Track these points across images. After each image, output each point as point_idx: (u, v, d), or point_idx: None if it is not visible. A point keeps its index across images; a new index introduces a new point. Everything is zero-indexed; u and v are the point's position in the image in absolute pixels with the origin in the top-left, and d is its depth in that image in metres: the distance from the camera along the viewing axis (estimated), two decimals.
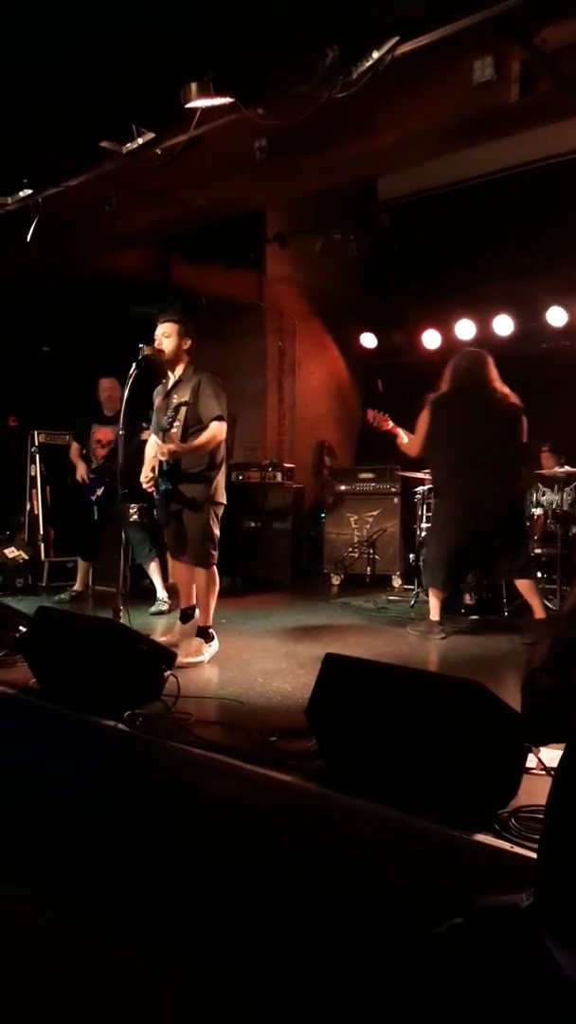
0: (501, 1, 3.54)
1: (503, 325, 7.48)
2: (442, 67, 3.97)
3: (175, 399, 4.43)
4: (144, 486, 4.51)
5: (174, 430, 4.35)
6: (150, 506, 5.35)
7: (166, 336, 4.40)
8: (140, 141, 4.38)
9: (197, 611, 4.66)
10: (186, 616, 4.76)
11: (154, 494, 4.54)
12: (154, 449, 4.48)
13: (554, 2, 3.65)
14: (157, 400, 4.58)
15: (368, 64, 3.67)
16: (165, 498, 4.48)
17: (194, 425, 4.34)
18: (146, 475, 4.48)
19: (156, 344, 4.39)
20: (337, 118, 4.07)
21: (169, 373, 4.53)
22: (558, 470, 5.83)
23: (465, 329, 7.75)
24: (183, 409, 4.36)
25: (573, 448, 6.09)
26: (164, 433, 4.38)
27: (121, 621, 4.18)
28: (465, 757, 2.33)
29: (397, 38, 3.62)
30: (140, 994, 1.93)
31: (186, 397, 4.36)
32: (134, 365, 4.32)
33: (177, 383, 4.46)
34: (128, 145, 4.43)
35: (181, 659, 3.96)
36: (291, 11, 3.57)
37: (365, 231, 7.50)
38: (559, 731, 1.63)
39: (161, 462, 4.39)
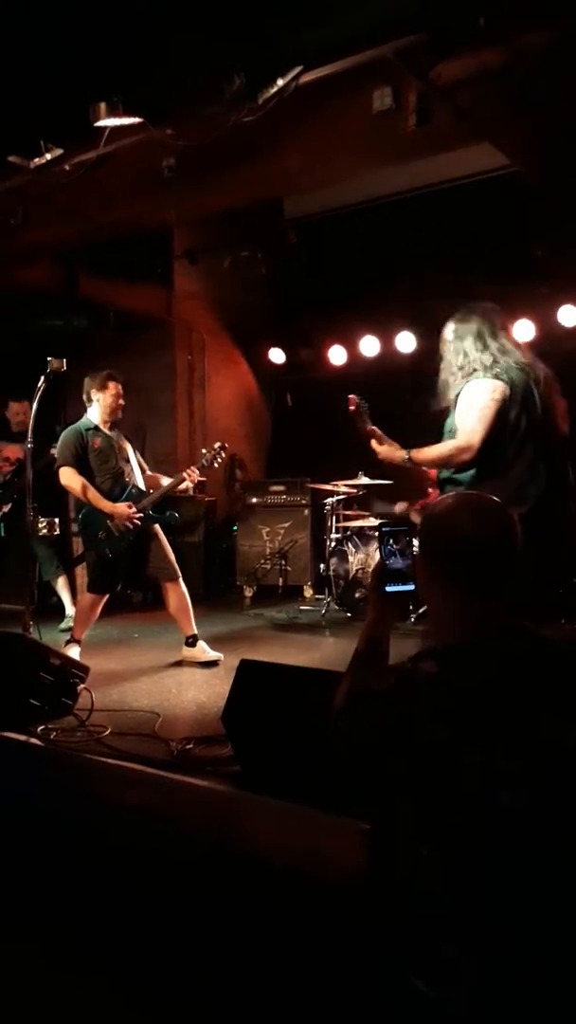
0: (398, 37, 3.73)
1: (405, 342, 7.74)
2: (344, 96, 4.13)
3: (124, 443, 4.94)
4: (129, 519, 4.69)
5: (147, 471, 5.08)
6: (62, 521, 5.33)
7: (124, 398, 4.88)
8: (48, 157, 4.38)
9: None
10: (193, 639, 4.83)
11: (125, 527, 4.70)
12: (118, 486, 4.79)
13: (448, 40, 3.86)
14: (97, 442, 4.81)
15: (273, 90, 3.80)
16: (141, 523, 4.74)
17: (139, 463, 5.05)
18: (125, 513, 4.69)
19: (120, 402, 4.84)
20: (244, 140, 4.18)
21: (108, 422, 4.86)
22: None
23: (369, 346, 7.99)
24: (134, 451, 5.02)
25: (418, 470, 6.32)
26: (127, 463, 4.89)
27: (32, 637, 4.15)
28: None
29: (301, 67, 3.77)
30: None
31: (126, 441, 4.97)
32: (42, 379, 4.32)
33: (115, 431, 4.92)
34: (36, 160, 4.42)
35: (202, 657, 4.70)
36: (199, 37, 3.68)
37: (273, 249, 7.64)
38: (359, 775, 1.67)
39: (135, 492, 4.79)
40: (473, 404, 2.95)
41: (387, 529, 1.74)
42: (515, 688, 1.44)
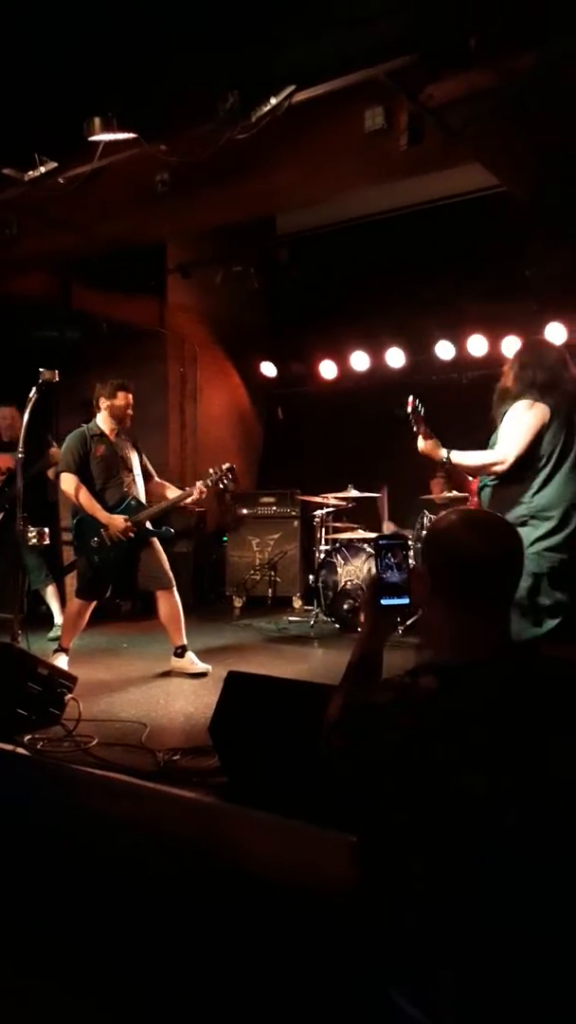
0: (390, 58, 3.79)
1: (395, 357, 7.79)
2: (336, 115, 4.19)
3: (130, 451, 4.92)
4: (124, 532, 4.70)
5: (154, 478, 5.07)
6: (52, 531, 5.33)
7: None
8: (43, 170, 4.42)
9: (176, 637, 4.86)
10: (182, 649, 4.83)
11: (119, 537, 4.71)
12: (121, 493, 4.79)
13: (439, 61, 3.92)
14: (101, 449, 4.81)
15: (266, 109, 3.86)
16: (135, 536, 4.74)
17: (144, 471, 5.02)
18: (120, 525, 4.70)
19: (129, 412, 4.84)
20: (237, 157, 4.23)
21: (115, 430, 4.87)
22: (447, 494, 6.18)
23: (360, 360, 8.04)
24: (140, 457, 4.99)
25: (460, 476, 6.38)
26: (129, 473, 4.87)
27: (20, 646, 4.15)
28: None
29: (293, 87, 3.83)
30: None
31: (132, 450, 4.94)
32: (34, 389, 4.34)
33: (121, 440, 4.91)
34: (31, 173, 4.46)
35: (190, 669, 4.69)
36: (194, 55, 3.73)
37: (264, 264, 7.68)
38: (354, 789, 1.64)
39: (134, 504, 4.78)
40: (514, 423, 3.14)
41: (384, 542, 1.74)
42: (520, 706, 1.41)
